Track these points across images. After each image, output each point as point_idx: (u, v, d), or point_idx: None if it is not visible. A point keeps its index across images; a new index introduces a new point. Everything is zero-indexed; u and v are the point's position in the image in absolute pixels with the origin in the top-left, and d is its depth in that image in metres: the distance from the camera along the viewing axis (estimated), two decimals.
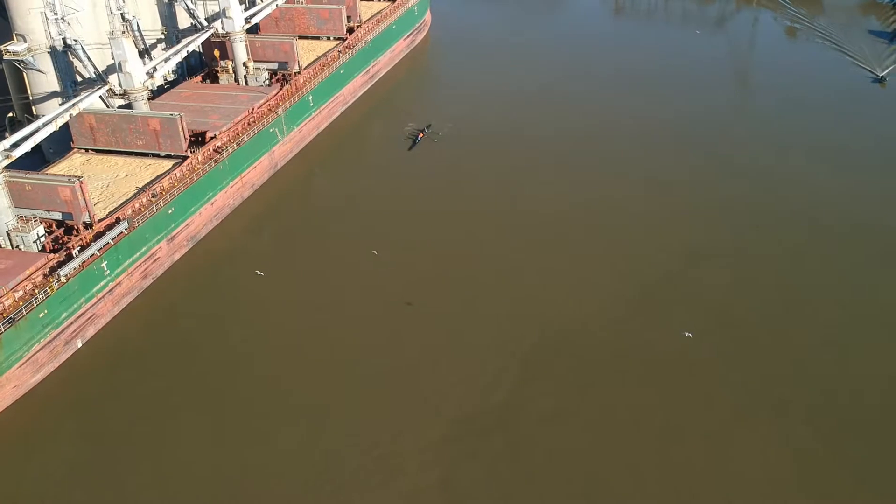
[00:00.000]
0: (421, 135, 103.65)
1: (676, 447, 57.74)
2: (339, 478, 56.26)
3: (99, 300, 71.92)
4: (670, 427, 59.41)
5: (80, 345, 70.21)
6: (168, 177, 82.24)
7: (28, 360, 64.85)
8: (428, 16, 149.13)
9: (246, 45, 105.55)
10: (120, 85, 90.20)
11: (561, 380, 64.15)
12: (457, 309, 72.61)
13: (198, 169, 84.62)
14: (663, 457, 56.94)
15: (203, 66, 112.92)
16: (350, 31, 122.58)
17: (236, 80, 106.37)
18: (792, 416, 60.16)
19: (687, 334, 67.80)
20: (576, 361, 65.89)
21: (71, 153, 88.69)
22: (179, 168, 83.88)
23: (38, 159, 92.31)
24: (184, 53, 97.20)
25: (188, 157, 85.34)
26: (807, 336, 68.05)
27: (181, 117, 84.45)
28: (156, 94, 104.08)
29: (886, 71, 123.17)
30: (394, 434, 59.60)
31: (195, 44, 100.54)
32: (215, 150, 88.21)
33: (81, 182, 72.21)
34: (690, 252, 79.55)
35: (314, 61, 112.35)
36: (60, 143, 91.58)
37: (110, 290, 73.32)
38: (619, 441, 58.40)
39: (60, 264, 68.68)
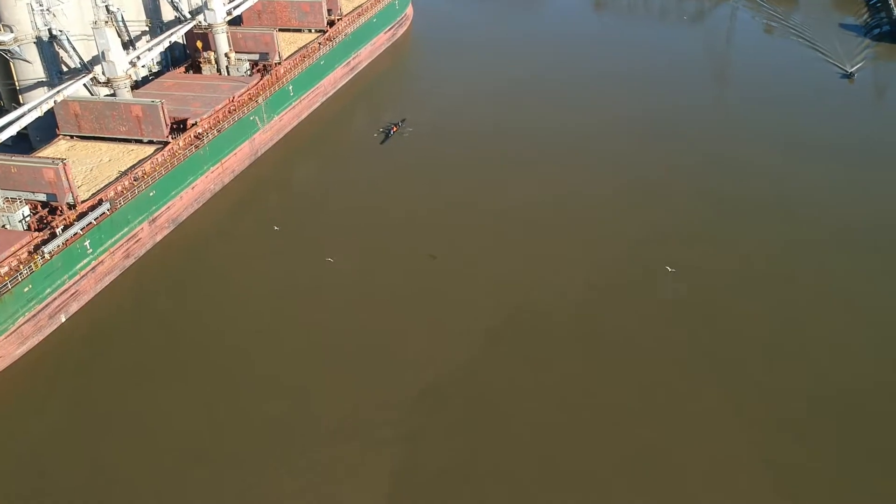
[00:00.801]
0: (395, 129, 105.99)
1: (634, 419, 61.16)
2: (313, 437, 59.51)
3: (82, 277, 75.09)
4: (631, 401, 62.79)
5: (63, 320, 73.37)
6: (150, 161, 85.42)
7: (13, 332, 68.00)
8: (410, 10, 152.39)
9: (228, 37, 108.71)
10: (104, 73, 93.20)
11: (527, 356, 67.52)
12: (420, 297, 75.78)
13: (178, 154, 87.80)
14: (622, 428, 60.35)
15: (187, 57, 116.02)
16: (331, 23, 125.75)
17: (218, 70, 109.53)
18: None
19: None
20: (543, 340, 69.07)
21: (56, 140, 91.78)
22: (161, 153, 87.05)
23: (25, 147, 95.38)
24: (166, 44, 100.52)
25: (169, 142, 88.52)
26: (769, 314, 71.36)
27: (162, 104, 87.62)
28: (140, 84, 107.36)
29: (855, 67, 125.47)
30: (364, 398, 62.89)
31: (178, 35, 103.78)
32: (196, 137, 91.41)
33: (65, 164, 75.40)
34: (660, 237, 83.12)
35: (294, 52, 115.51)
36: (46, 131, 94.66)
37: (93, 268, 76.49)
38: (581, 413, 61.75)
39: (45, 242, 71.89)
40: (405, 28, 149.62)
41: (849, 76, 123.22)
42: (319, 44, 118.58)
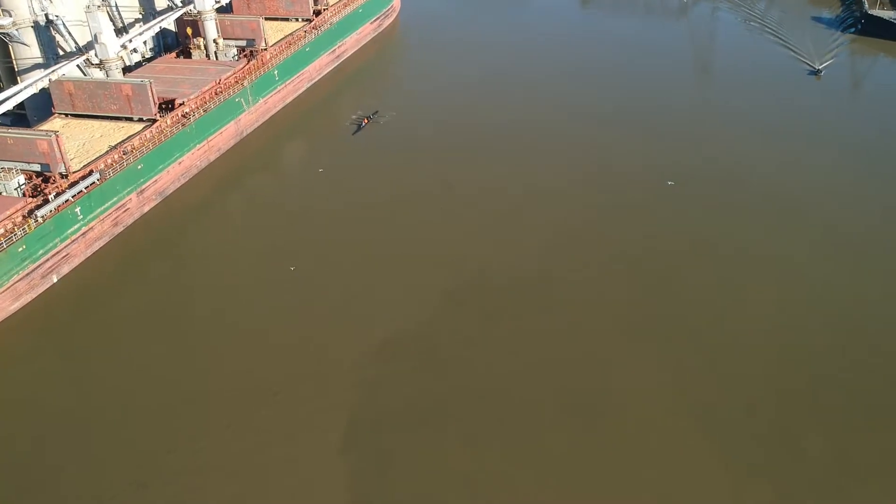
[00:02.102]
0: (366, 120, 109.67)
1: (585, 369, 66.61)
2: (280, 383, 64.92)
3: (73, 241, 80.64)
4: (582, 352, 68.25)
5: (55, 280, 78.91)
6: (138, 137, 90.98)
7: (8, 289, 73.54)
8: (397, 2, 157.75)
9: (216, 24, 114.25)
10: (96, 55, 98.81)
11: (482, 313, 72.99)
12: (384, 264, 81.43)
13: (166, 131, 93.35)
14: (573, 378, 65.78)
15: (179, 44, 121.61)
16: (317, 13, 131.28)
17: (207, 55, 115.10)
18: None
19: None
20: (500, 301, 74.61)
21: (52, 118, 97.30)
22: (149, 129, 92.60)
23: (22, 125, 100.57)
24: (157, 28, 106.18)
25: (157, 120, 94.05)
26: (711, 277, 76.96)
27: (151, 83, 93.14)
28: (134, 69, 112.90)
29: (823, 65, 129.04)
30: (329, 351, 68.35)
31: (168, 21, 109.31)
32: (183, 116, 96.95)
33: (57, 136, 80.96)
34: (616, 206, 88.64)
35: (280, 40, 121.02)
36: (43, 111, 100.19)
37: (83, 233, 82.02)
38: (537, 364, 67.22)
39: (38, 207, 77.42)
40: (391, 20, 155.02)
41: (816, 73, 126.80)
42: (305, 32, 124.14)
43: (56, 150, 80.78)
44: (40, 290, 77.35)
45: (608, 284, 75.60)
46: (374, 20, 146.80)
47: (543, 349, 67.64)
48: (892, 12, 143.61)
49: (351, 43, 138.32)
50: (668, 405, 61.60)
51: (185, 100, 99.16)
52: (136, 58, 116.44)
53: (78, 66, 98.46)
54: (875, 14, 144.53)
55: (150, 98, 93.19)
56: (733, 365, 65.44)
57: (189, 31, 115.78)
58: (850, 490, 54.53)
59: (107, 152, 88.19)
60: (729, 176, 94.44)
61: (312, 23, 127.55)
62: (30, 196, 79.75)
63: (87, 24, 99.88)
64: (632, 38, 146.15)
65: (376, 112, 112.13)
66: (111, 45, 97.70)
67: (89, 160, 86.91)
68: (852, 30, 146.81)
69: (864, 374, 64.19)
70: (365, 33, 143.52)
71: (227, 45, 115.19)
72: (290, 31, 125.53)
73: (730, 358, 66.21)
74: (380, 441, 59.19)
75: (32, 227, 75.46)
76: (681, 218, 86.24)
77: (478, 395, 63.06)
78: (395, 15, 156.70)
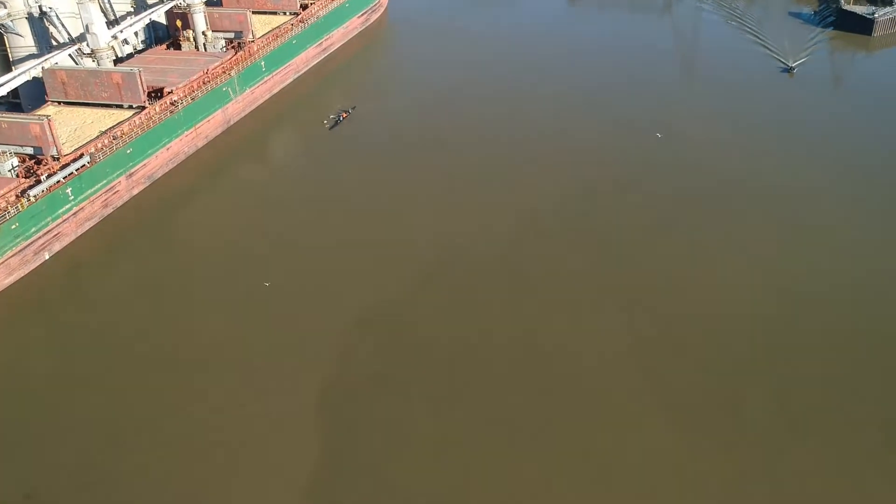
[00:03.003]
0: (344, 115, 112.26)
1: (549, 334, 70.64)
2: (260, 350, 68.91)
3: (64, 220, 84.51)
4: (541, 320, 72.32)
5: (47, 257, 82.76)
6: (128, 123, 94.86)
7: (1, 264, 77.39)
8: None
9: (205, 16, 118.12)
10: (88, 45, 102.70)
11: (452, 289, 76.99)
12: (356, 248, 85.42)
13: (155, 117, 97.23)
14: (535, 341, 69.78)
15: (169, 37, 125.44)
16: (304, 7, 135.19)
17: (196, 47, 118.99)
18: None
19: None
20: (469, 278, 78.63)
21: (45, 105, 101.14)
22: (138, 116, 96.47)
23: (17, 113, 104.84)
24: (147, 20, 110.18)
25: (146, 107, 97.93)
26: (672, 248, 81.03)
27: (140, 72, 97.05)
28: (125, 60, 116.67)
29: (797, 63, 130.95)
30: (307, 323, 72.31)
31: (158, 13, 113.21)
32: (171, 103, 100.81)
33: (49, 120, 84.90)
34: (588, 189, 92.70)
35: (268, 32, 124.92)
36: (37, 100, 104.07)
37: (74, 213, 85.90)
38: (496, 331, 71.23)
39: (31, 187, 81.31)
40: (378, 15, 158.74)
41: (789, 70, 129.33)
42: (292, 25, 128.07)
43: (48, 133, 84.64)
44: (33, 266, 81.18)
45: (573, 265, 79.41)
46: (361, 15, 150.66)
47: (510, 323, 71.49)
48: (864, 7, 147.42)
49: (338, 37, 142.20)
50: (622, 370, 65.45)
51: (174, 88, 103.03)
52: (128, 49, 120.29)
53: (70, 55, 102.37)
54: (848, 9, 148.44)
55: (140, 86, 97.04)
56: (689, 333, 69.35)
57: (179, 23, 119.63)
58: (788, 443, 58.35)
59: (97, 137, 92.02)
60: (701, 169, 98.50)
61: (299, 16, 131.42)
62: (23, 177, 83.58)
63: (79, 15, 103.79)
64: (617, 34, 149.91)
65: (354, 107, 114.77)
66: (102, 36, 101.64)
67: (80, 144, 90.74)
68: (831, 26, 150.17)
69: (814, 341, 68.10)
70: (352, 27, 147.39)
71: (216, 37, 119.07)
72: (277, 25, 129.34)
73: (687, 326, 70.10)
74: (352, 403, 63.06)
75: (25, 206, 79.32)
76: (647, 202, 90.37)
77: (446, 364, 66.86)
78: (381, 10, 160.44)
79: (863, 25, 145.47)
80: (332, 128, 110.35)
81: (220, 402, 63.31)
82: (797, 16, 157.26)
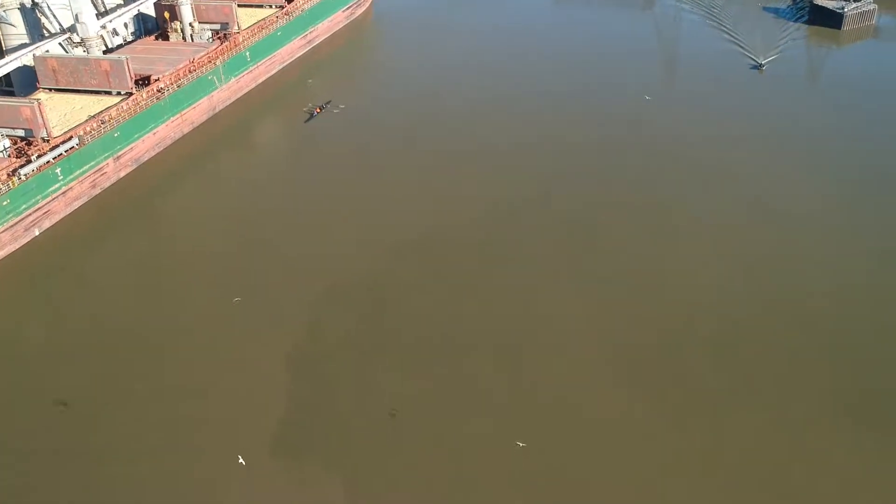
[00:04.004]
0: (318, 110, 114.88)
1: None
2: (236, 320, 73.13)
3: (54, 199, 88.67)
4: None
5: (37, 233, 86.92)
6: (115, 108, 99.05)
7: None
8: None
9: (192, 8, 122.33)
10: (78, 34, 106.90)
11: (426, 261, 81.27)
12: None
13: (141, 103, 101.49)
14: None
15: (158, 29, 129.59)
16: (289, 0, 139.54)
17: (183, 38, 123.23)
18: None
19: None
20: (443, 254, 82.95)
21: (37, 91, 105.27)
22: (126, 102, 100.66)
23: None
24: (134, 11, 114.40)
25: (133, 93, 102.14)
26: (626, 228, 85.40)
27: (127, 59, 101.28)
28: (115, 50, 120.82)
29: (767, 60, 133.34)
30: (285, 292, 76.54)
31: (147, 5, 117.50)
32: (158, 90, 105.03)
33: (39, 103, 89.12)
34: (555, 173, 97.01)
35: (253, 24, 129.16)
36: (29, 87, 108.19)
37: (63, 192, 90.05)
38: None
39: (21, 167, 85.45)
40: (363, 10, 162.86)
41: (759, 67, 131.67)
42: (277, 17, 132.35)
43: (38, 115, 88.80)
44: (23, 241, 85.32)
45: (543, 245, 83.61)
46: (346, 9, 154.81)
47: (481, 297, 75.63)
48: (835, 2, 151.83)
49: (323, 29, 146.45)
50: (587, 343, 69.31)
51: (161, 76, 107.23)
52: (118, 41, 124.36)
53: (60, 44, 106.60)
54: (820, 4, 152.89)
55: (127, 73, 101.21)
56: (651, 307, 73.36)
57: (167, 15, 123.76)
58: (732, 406, 62.48)
59: (86, 121, 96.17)
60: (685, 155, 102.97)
61: (285, 9, 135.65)
62: (14, 157, 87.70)
63: (69, 6, 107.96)
64: (600, 29, 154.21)
65: (329, 102, 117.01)
66: (91, 25, 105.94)
67: (70, 128, 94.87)
68: (805, 21, 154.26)
69: (771, 315, 72.16)
70: (337, 21, 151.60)
71: (202, 29, 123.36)
72: (262, 17, 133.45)
73: (650, 301, 74.18)
74: (321, 366, 67.22)
75: (16, 184, 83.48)
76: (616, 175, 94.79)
77: (415, 334, 70.99)
78: (367, 5, 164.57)
79: (833, 20, 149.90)
80: (306, 121, 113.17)
81: (199, 364, 67.46)
82: (773, 11, 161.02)
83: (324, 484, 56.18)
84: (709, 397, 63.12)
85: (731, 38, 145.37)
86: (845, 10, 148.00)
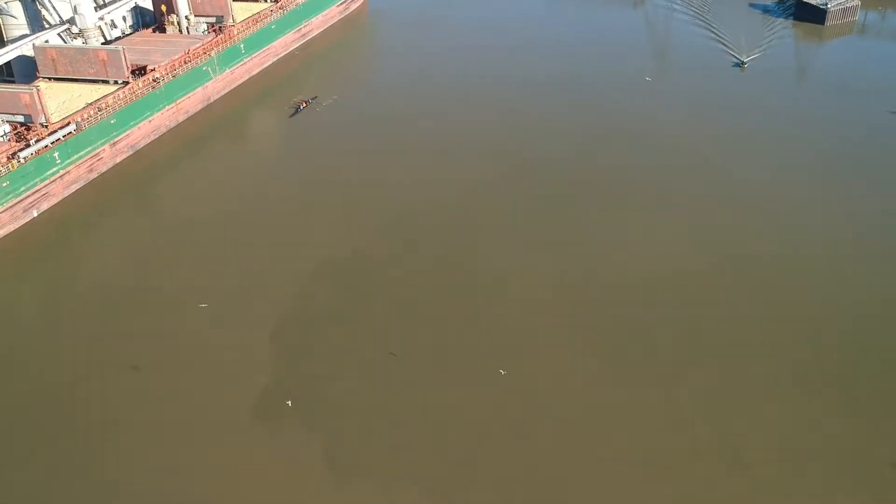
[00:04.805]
0: (304, 104, 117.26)
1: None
2: (225, 293, 76.70)
3: (52, 182, 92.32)
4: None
5: (35, 214, 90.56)
6: (112, 96, 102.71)
7: None
8: None
9: (188, 1, 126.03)
10: (76, 25, 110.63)
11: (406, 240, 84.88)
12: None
13: (137, 91, 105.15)
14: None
15: (155, 22, 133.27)
16: None
17: (180, 30, 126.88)
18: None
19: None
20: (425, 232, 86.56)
21: (36, 80, 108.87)
22: (122, 90, 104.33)
23: None
24: (132, 3, 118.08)
25: (129, 82, 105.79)
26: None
27: (123, 49, 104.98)
28: (113, 42, 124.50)
29: (749, 58, 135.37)
30: (272, 265, 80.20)
31: None
32: (154, 80, 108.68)
33: (38, 90, 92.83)
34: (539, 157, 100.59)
35: (248, 17, 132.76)
36: (29, 77, 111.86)
37: (61, 175, 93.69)
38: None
39: (21, 150, 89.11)
40: (358, 4, 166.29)
41: (741, 64, 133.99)
42: (271, 11, 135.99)
43: (37, 101, 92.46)
44: (22, 222, 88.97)
45: (513, 217, 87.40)
46: (341, 4, 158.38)
47: (457, 270, 79.33)
48: None
49: (317, 23, 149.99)
50: (547, 306, 73.27)
51: (156, 66, 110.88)
52: (117, 33, 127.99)
53: (59, 34, 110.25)
54: (804, 0, 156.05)
55: (123, 62, 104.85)
56: (614, 279, 77.19)
57: (164, 8, 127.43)
58: (686, 371, 66.10)
59: (83, 108, 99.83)
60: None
61: (279, 3, 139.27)
62: (14, 141, 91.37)
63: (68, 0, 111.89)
64: (591, 24, 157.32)
65: (315, 97, 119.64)
66: (89, 17, 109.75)
67: (68, 114, 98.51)
68: (791, 17, 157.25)
69: (729, 292, 75.84)
70: (331, 16, 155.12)
71: (198, 21, 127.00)
72: (257, 11, 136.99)
73: (614, 273, 78.01)
74: (303, 334, 70.84)
75: (15, 167, 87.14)
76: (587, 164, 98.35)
77: (390, 302, 74.75)
78: (362, 0, 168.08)
79: (816, 15, 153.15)
80: (291, 115, 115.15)
81: (188, 335, 71.10)
82: (760, 7, 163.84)
83: (304, 443, 59.83)
84: (663, 355, 67.10)
85: (717, 37, 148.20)
86: (828, 5, 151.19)
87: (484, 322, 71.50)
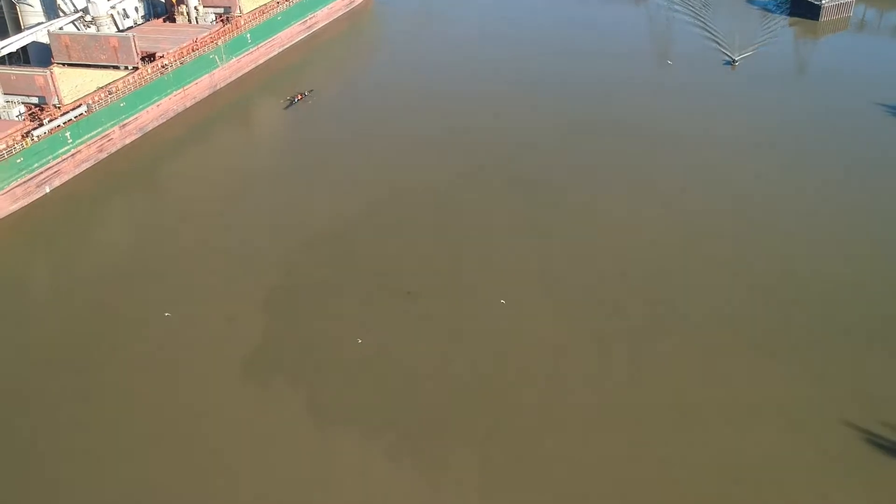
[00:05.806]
0: (299, 97, 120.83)
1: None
2: (219, 265, 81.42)
3: (63, 160, 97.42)
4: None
5: (48, 190, 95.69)
6: (122, 80, 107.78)
7: (8, 192, 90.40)
8: None
9: None
10: (89, 13, 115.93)
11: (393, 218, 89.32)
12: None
13: (146, 77, 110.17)
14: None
15: (166, 12, 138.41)
16: None
17: (189, 20, 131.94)
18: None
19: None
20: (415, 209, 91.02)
21: (51, 66, 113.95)
22: (132, 75, 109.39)
23: None
24: None
25: (139, 68, 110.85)
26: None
27: (133, 37, 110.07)
28: (125, 31, 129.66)
29: (740, 56, 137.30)
30: (265, 243, 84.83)
31: None
32: (162, 66, 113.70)
33: (52, 72, 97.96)
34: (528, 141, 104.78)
35: (255, 8, 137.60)
36: (44, 62, 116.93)
37: (72, 154, 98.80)
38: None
39: (35, 129, 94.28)
40: None
41: (732, 62, 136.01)
42: (278, 2, 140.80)
43: (51, 84, 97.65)
44: (35, 196, 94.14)
45: (495, 199, 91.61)
46: None
47: (439, 245, 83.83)
48: None
49: (322, 16, 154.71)
50: (526, 278, 77.50)
51: (165, 53, 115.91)
52: (129, 23, 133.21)
53: (73, 22, 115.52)
54: None
55: (133, 49, 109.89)
56: (594, 254, 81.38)
57: None
58: (653, 338, 70.13)
59: (94, 91, 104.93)
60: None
61: None
62: (28, 121, 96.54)
63: None
64: (595, 22, 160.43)
65: (311, 90, 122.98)
66: (102, 5, 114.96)
67: (80, 97, 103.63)
68: (787, 13, 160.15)
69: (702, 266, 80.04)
70: (336, 8, 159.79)
71: (207, 12, 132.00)
72: (265, 2, 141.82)
73: (594, 249, 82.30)
74: (293, 300, 75.45)
75: (29, 144, 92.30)
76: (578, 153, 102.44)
77: (374, 272, 79.26)
78: None
79: (811, 11, 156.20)
80: (286, 108, 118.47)
81: (186, 303, 75.80)
82: (759, 4, 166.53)
83: (290, 399, 64.42)
84: (633, 325, 71.18)
85: (712, 37, 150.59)
86: (823, 1, 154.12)
87: (457, 293, 75.91)
